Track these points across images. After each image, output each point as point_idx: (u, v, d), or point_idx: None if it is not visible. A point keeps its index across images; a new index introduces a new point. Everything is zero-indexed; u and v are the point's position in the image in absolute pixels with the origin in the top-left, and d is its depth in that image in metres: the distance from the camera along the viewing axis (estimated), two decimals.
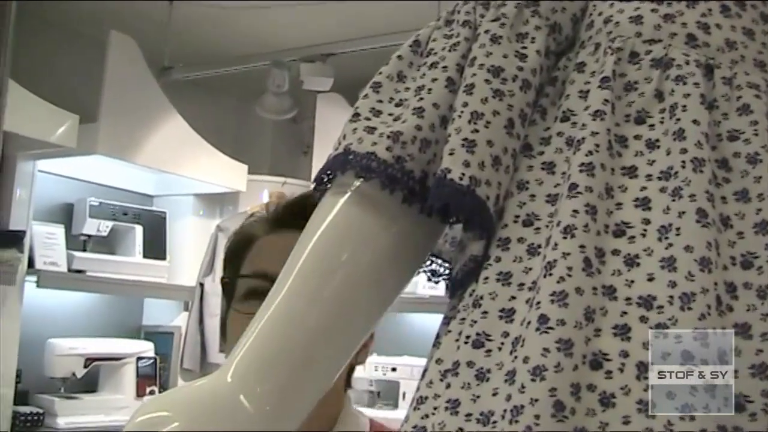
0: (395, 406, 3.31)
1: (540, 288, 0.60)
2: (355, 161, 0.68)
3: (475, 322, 0.64)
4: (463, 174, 0.65)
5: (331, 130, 3.47)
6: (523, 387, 0.56)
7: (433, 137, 0.70)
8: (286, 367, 0.65)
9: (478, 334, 0.63)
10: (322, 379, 0.69)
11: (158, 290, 3.33)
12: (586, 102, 0.69)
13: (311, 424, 0.70)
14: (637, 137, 0.67)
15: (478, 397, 0.61)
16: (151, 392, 3.16)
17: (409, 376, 3.30)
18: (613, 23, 0.73)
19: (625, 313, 0.59)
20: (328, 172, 0.72)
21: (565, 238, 0.61)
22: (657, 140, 0.67)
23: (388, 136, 0.68)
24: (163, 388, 3.25)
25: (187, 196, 3.57)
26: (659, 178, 0.65)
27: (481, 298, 0.65)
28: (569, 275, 0.59)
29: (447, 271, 0.81)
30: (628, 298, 0.60)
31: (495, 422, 0.58)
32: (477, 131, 0.67)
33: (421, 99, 0.71)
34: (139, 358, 3.23)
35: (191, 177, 3.32)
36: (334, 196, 0.71)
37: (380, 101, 0.73)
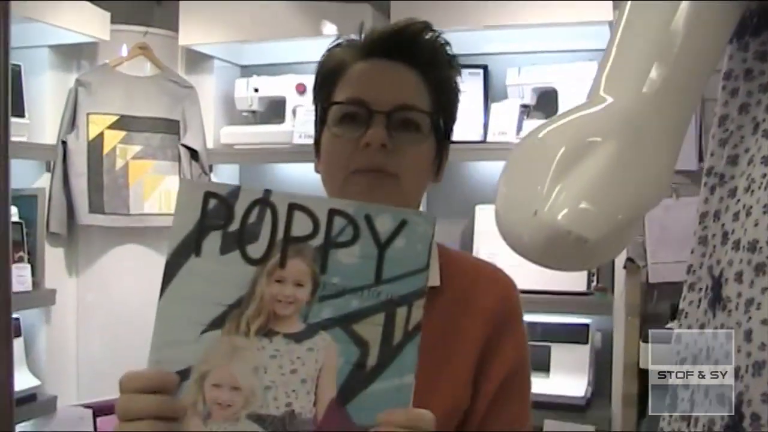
0: None
1: None
2: None
3: None
4: None
5: None
6: None
7: None
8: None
9: None
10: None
11: (19, 150, 3.07)
12: None
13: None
14: None
15: None
16: (19, 258, 2.97)
17: None
18: None
19: None
20: None
21: None
22: None
23: None
24: (30, 254, 3.06)
25: (41, 48, 3.27)
26: None
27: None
28: None
29: None
30: None
31: None
32: None
33: None
34: None
35: (52, 23, 3.01)
36: None
37: None
